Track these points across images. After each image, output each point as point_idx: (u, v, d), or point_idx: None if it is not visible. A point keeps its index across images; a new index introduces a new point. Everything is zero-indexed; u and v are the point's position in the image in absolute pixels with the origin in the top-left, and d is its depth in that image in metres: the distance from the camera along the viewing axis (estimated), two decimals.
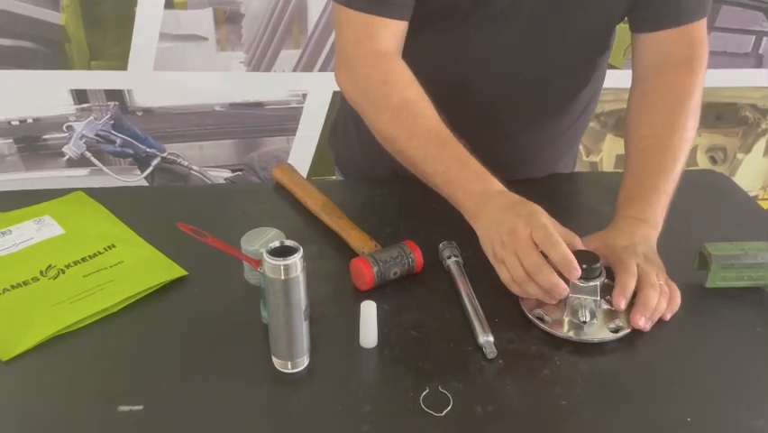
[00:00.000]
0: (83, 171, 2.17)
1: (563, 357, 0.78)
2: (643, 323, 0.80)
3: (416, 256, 0.89)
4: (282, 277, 0.69)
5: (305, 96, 2.09)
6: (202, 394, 0.72)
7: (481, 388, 0.73)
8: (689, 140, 0.95)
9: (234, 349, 0.78)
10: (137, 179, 2.20)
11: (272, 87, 2.08)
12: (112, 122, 2.09)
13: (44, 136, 2.10)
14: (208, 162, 2.19)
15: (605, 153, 2.35)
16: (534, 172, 1.17)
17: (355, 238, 0.93)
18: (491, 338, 0.78)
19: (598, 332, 0.79)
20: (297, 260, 0.69)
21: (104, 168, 2.18)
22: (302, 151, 2.19)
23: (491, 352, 0.77)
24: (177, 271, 0.88)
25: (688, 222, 1.03)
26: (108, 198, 1.05)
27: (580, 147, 2.33)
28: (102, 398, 0.71)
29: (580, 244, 0.81)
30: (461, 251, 0.93)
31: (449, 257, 0.90)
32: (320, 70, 2.04)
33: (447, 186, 0.88)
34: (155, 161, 2.18)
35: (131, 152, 2.15)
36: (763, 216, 1.07)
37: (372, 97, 0.94)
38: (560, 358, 0.77)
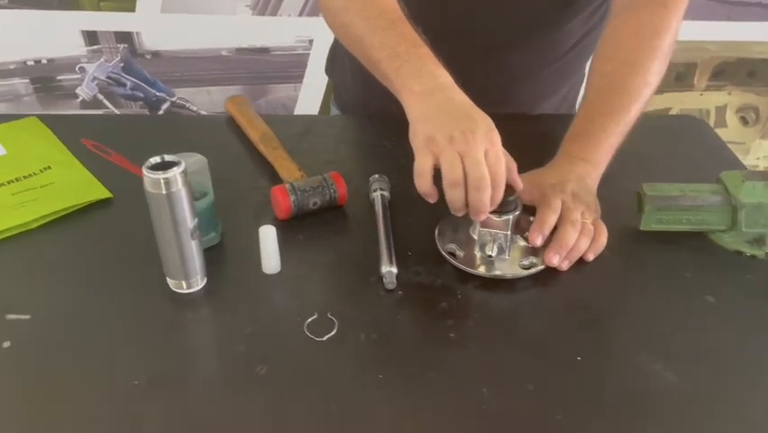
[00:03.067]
0: (96, 113, 2.21)
1: (467, 292, 0.74)
2: (557, 261, 0.75)
3: (338, 188, 0.86)
4: (163, 191, 0.68)
5: (311, 42, 2.07)
6: (93, 308, 0.72)
7: (372, 317, 0.71)
8: (651, 84, 0.88)
9: (141, 270, 0.77)
10: None
11: (278, 31, 2.05)
12: (122, 64, 2.11)
13: (58, 77, 2.14)
14: (216, 108, 2.19)
15: None
16: (512, 109, 1.11)
17: (285, 168, 0.91)
18: (394, 269, 0.75)
19: (509, 268, 0.76)
20: (177, 173, 0.67)
21: (115, 110, 2.21)
22: (309, 100, 2.17)
23: (390, 282, 0.74)
24: (101, 193, 0.89)
25: (650, 165, 0.98)
26: (65, 125, 1.06)
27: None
28: None
29: (520, 185, 0.76)
30: (395, 186, 0.90)
31: (375, 190, 0.88)
32: None
33: (393, 60, 0.77)
34: (165, 105, 2.20)
35: (141, 95, 2.17)
36: (732, 162, 1.00)
37: None
38: (463, 293, 0.74)
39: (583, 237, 0.77)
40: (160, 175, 0.67)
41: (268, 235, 0.75)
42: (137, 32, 2.06)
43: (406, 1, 0.87)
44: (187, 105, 2.19)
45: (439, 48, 0.89)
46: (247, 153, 1.00)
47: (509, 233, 0.75)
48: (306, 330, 0.69)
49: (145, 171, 0.67)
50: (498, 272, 0.75)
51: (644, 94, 0.88)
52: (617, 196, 0.86)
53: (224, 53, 2.09)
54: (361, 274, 0.77)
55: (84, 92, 2.16)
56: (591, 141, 0.86)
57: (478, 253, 0.77)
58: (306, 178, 0.89)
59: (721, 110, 2.25)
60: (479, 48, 1.03)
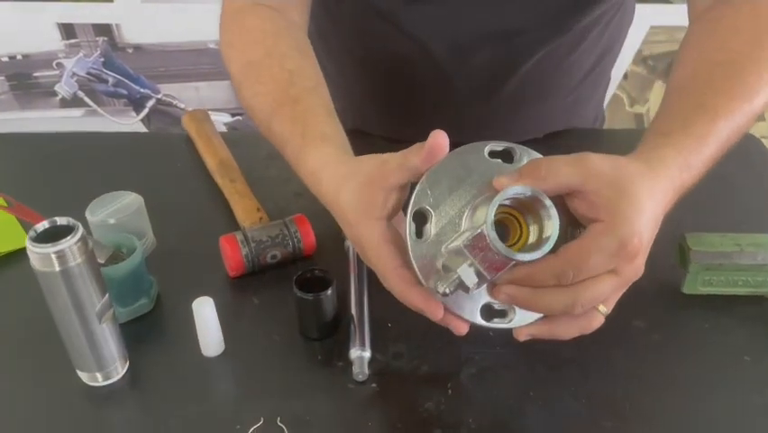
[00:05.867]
0: (77, 112, 2.05)
1: (460, 384, 0.58)
2: (523, 338, 0.51)
3: (303, 236, 0.70)
4: (56, 268, 0.51)
5: None
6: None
7: (334, 423, 0.55)
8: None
9: (51, 350, 0.60)
10: (133, 121, 2.07)
11: None
12: (102, 59, 1.95)
13: (35, 74, 1.99)
14: (205, 105, 2.02)
15: (652, 103, 2.04)
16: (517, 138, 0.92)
17: (241, 208, 0.75)
18: (366, 354, 0.59)
19: (468, 310, 0.49)
20: (72, 244, 0.51)
21: (98, 109, 2.06)
22: None
23: (360, 373, 0.57)
24: (18, 241, 0.73)
25: (692, 200, 0.79)
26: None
27: (623, 95, 2.05)
28: None
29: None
30: None
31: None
32: None
33: (291, 151, 0.62)
34: (150, 103, 2.04)
35: (124, 92, 2.02)
36: None
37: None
38: (455, 386, 0.58)
39: (576, 329, 0.51)
40: (50, 249, 0.50)
41: (204, 312, 0.59)
42: (116, 24, 1.89)
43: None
44: (174, 102, 2.03)
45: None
46: (205, 185, 0.83)
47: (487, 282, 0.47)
48: None
49: (29, 245, 0.51)
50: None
51: (763, 101, 0.58)
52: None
53: (211, 46, 1.93)
54: (325, 356, 0.61)
55: (63, 89, 2.01)
56: (697, 145, 0.54)
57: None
58: (264, 222, 0.72)
59: None
60: (476, 80, 0.85)
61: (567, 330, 0.50)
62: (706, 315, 0.64)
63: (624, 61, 1.90)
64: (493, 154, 0.51)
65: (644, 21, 1.84)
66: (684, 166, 0.52)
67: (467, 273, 0.45)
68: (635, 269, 0.48)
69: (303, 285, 0.61)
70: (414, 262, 0.48)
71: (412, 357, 0.60)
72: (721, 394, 0.57)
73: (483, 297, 0.49)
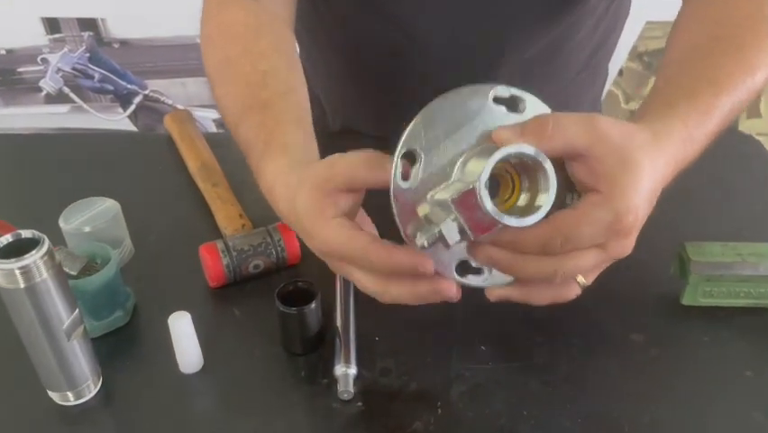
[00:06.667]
0: (63, 108, 2.02)
1: (450, 403, 0.55)
2: (494, 299, 0.49)
3: (287, 244, 0.67)
4: (21, 285, 0.48)
5: None
6: None
7: None
8: None
9: (20, 370, 0.57)
10: (120, 117, 2.03)
11: None
12: (88, 54, 1.92)
13: (19, 69, 1.95)
14: (193, 102, 1.99)
15: None
16: None
17: (223, 214, 0.72)
18: (352, 371, 0.56)
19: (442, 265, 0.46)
20: (37, 259, 0.48)
21: (84, 105, 2.02)
22: None
23: (345, 392, 0.55)
24: None
25: (689, 206, 0.77)
26: None
27: (618, 92, 2.02)
28: None
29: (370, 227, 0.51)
30: None
31: None
32: None
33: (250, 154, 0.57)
34: (137, 99, 2.00)
35: (111, 88, 1.98)
36: None
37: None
38: (445, 404, 0.55)
39: (550, 296, 0.48)
40: (14, 264, 0.48)
41: (180, 328, 0.56)
42: (102, 19, 1.86)
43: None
44: (162, 98, 2.00)
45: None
46: (187, 189, 0.80)
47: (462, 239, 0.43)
48: None
49: None
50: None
51: (765, 71, 0.56)
52: (645, 250, 0.66)
53: (199, 41, 1.89)
54: (309, 373, 0.58)
55: (48, 85, 1.97)
56: (701, 118, 0.51)
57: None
58: (247, 229, 0.69)
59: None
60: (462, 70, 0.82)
61: (541, 296, 0.48)
62: (706, 327, 0.61)
63: (619, 57, 1.88)
64: (498, 100, 0.47)
65: (639, 16, 1.81)
66: (688, 139, 0.50)
67: (450, 229, 0.41)
68: (625, 246, 0.45)
69: (286, 298, 0.58)
70: (394, 205, 0.45)
71: (400, 374, 0.57)
72: (722, 410, 0.54)
73: (462, 252, 0.46)
